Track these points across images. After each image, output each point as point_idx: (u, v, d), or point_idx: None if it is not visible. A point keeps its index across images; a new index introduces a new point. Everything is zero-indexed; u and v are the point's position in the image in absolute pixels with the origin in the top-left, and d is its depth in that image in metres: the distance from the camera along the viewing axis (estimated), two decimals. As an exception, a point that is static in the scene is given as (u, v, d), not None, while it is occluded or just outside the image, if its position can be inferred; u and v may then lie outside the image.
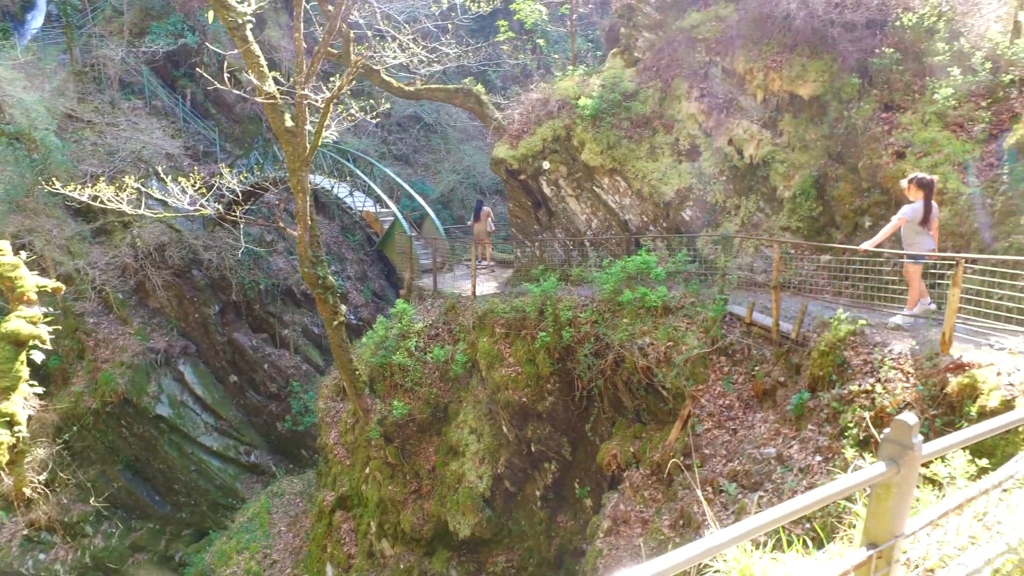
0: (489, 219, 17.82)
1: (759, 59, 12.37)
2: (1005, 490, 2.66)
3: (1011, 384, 5.89)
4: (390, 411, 14.34)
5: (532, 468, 13.39)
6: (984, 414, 5.78)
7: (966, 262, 7.32)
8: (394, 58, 14.96)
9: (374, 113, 13.82)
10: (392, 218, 18.22)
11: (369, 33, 14.85)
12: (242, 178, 14.61)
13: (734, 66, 12.76)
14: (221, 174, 13.25)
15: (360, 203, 19.22)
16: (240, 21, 9.99)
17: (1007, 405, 5.75)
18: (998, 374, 6.09)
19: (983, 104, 9.84)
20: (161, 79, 26.16)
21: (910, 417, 2.20)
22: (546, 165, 15.00)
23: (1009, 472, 2.63)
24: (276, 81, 10.68)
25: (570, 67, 15.70)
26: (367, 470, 15.52)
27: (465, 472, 13.87)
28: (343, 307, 14.50)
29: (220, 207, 13.76)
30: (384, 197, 18.49)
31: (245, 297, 25.27)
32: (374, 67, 14.84)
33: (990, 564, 2.38)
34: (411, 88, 16.20)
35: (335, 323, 14.25)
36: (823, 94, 11.57)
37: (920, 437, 2.23)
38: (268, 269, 25.96)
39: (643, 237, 13.67)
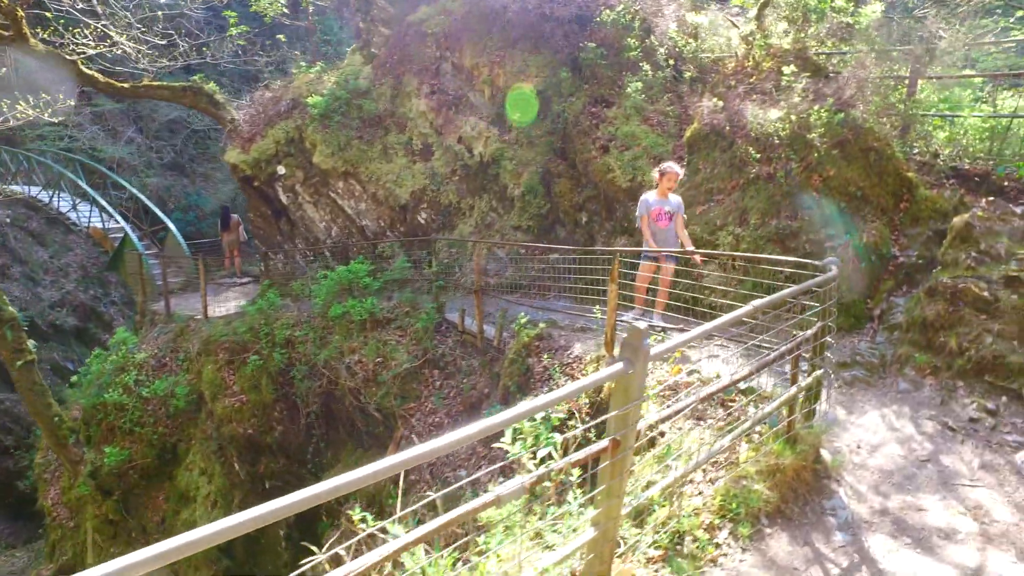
0: (241, 228, 16.08)
1: (484, 54, 11.95)
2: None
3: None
4: (103, 459, 12.21)
5: (269, 508, 11.95)
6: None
7: (622, 256, 7.17)
8: (95, 48, 12.83)
9: (50, 109, 11.67)
10: (122, 234, 15.81)
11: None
12: None
13: (463, 61, 12.26)
14: None
15: (85, 217, 16.50)
16: None
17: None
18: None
19: (672, 99, 10.06)
20: None
21: (642, 324, 2.66)
22: (281, 170, 13.61)
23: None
24: None
25: (303, 64, 14.43)
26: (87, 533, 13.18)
27: (197, 520, 12.12)
28: (31, 342, 12.10)
29: None
30: (111, 210, 16.01)
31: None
32: (67, 56, 12.55)
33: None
34: (127, 85, 14.02)
35: (19, 363, 11.84)
36: (545, 89, 11.37)
37: (649, 341, 2.61)
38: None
39: (380, 243, 12.79)
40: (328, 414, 10.21)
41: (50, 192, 16.95)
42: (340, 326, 9.78)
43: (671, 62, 9.95)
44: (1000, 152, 7.64)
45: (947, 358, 5.36)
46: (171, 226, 16.15)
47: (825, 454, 4.25)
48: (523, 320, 7.91)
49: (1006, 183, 7.23)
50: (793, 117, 7.37)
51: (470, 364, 9.20)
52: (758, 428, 4.18)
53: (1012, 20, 10.09)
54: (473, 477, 5.88)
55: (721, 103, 8.17)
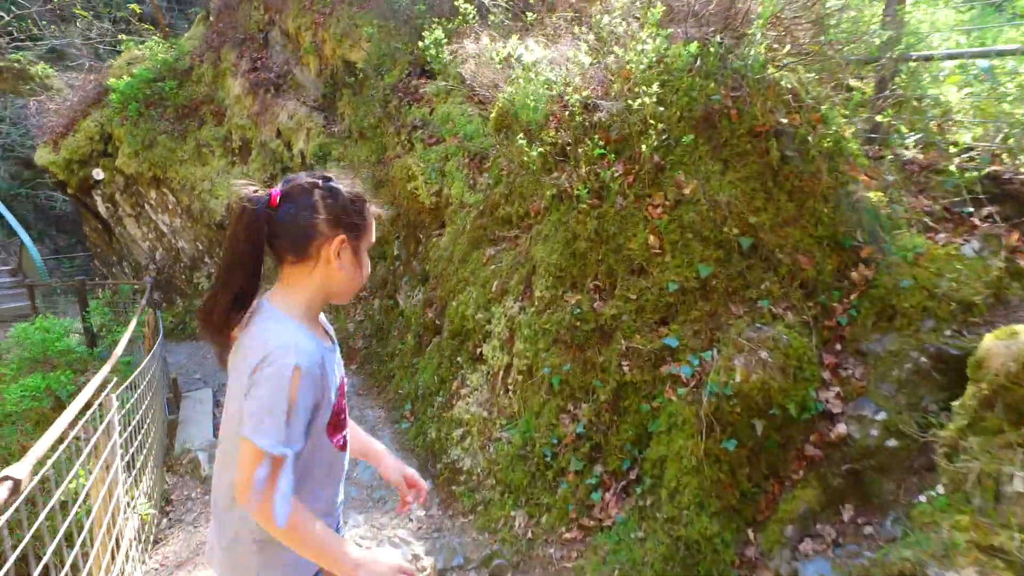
0: None
1: (308, 13, 8.48)
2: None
3: None
4: None
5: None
6: None
7: None
8: None
9: None
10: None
11: None
12: None
13: (288, 25, 8.83)
14: None
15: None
16: None
17: None
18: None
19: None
20: None
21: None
22: (98, 174, 10.56)
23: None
24: None
25: (126, 38, 11.32)
26: None
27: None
28: None
29: None
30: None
31: None
32: None
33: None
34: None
35: None
36: (378, 57, 7.77)
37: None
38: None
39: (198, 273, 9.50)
40: None
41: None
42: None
43: None
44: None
45: None
46: (26, 240, 13.43)
47: None
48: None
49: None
50: (611, 65, 3.50)
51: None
52: None
53: None
54: None
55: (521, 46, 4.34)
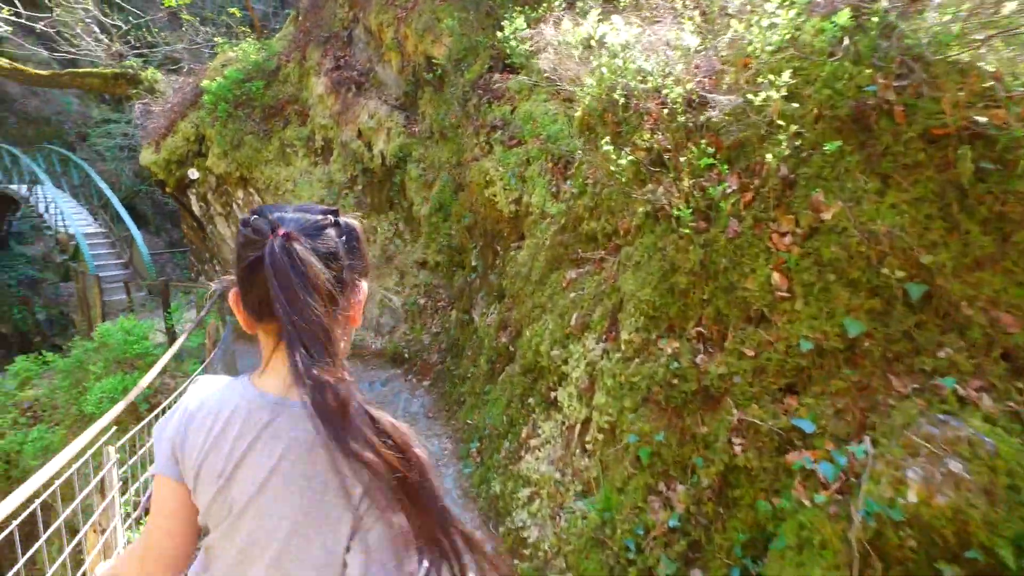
0: None
1: (390, 8, 8.08)
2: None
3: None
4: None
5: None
6: None
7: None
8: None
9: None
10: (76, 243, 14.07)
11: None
12: None
13: (370, 22, 8.48)
14: None
15: (58, 220, 15.03)
16: None
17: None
18: None
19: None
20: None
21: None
22: (193, 174, 10.77)
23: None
24: None
25: (223, 40, 11.42)
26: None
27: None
28: None
29: None
30: (64, 206, 14.33)
31: (17, 328, 21.26)
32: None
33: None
34: (45, 73, 12.07)
35: None
36: (461, 57, 7.26)
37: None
38: (50, 295, 21.94)
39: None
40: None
41: (26, 188, 15.72)
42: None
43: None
44: None
45: None
46: (137, 237, 14.13)
47: None
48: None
49: None
50: (725, 48, 2.74)
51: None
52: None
53: None
54: None
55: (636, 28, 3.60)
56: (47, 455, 8.11)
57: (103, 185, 14.82)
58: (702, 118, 2.90)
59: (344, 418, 0.88)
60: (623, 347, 3.06)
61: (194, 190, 10.95)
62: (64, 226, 14.47)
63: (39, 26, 11.98)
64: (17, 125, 23.62)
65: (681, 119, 2.89)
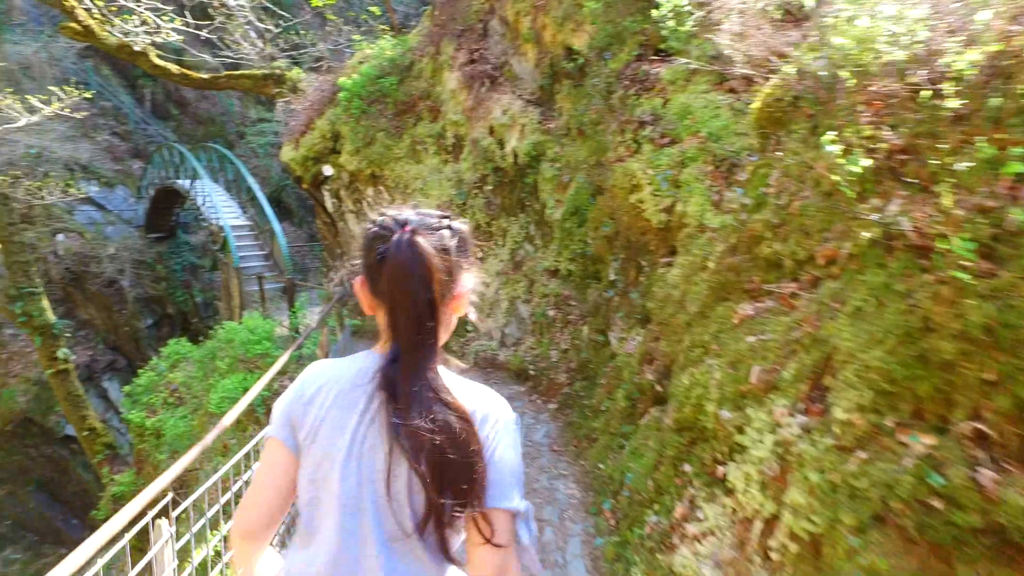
0: None
1: (529, -5, 7.46)
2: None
3: None
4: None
5: None
6: None
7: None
8: (165, 35, 11.67)
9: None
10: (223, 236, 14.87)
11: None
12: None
13: (507, 12, 7.92)
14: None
15: (212, 213, 16.02)
16: None
17: None
18: None
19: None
20: (123, 78, 25.05)
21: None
22: (327, 170, 10.88)
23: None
24: None
25: (359, 38, 11.33)
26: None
27: None
28: (65, 351, 11.44)
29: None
30: (217, 200, 15.20)
31: (180, 310, 23.44)
32: (136, 48, 11.60)
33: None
34: (204, 76, 12.78)
35: (51, 371, 11.25)
36: (605, 44, 6.49)
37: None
38: (206, 281, 23.96)
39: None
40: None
41: (188, 182, 16.94)
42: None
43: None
44: None
45: None
46: (277, 230, 14.76)
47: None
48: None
49: None
50: None
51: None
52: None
53: None
54: None
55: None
56: (181, 442, 8.36)
57: (251, 180, 15.64)
58: (985, 105, 1.93)
59: (404, 394, 1.10)
60: (837, 429, 2.16)
61: (328, 187, 11.08)
62: (216, 218, 15.43)
63: (203, 33, 12.70)
64: (192, 126, 26.09)
65: (954, 103, 1.94)
